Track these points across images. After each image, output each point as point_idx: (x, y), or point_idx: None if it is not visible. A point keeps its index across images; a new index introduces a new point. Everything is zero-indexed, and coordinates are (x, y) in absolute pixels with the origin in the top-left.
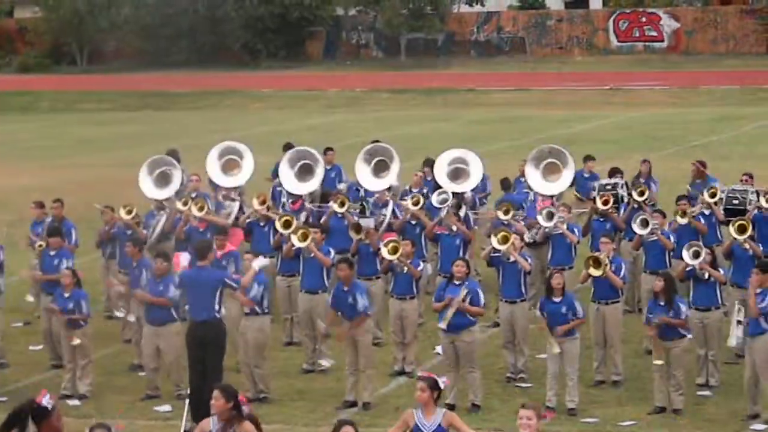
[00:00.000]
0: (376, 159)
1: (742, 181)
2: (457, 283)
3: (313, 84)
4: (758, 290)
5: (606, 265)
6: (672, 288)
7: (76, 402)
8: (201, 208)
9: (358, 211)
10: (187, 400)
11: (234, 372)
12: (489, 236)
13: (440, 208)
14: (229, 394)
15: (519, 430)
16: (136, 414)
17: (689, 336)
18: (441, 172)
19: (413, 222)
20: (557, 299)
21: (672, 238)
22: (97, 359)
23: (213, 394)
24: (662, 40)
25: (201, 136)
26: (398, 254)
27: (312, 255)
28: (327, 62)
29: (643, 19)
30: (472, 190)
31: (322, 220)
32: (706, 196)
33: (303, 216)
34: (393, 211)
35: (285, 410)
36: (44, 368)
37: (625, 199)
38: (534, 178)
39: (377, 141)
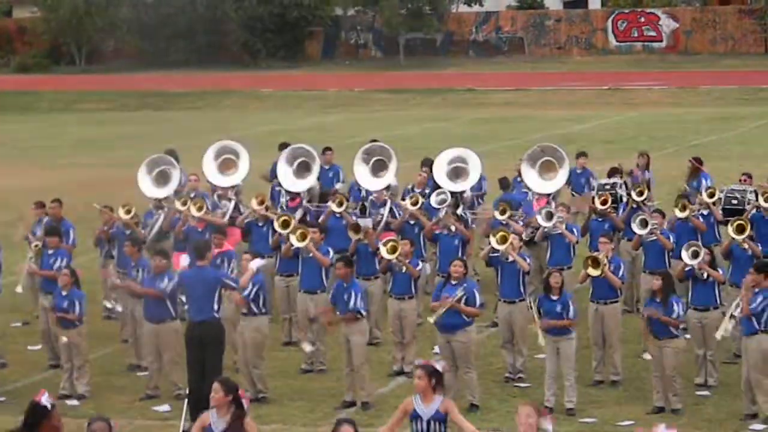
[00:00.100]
0: (374, 159)
1: (740, 181)
2: (454, 283)
3: (312, 84)
4: (756, 290)
5: (605, 265)
6: (669, 287)
7: (74, 402)
8: (200, 208)
9: (358, 211)
10: (186, 400)
11: (234, 372)
12: (486, 236)
13: (439, 209)
14: (229, 388)
15: (519, 429)
16: (134, 414)
17: (682, 336)
18: (441, 171)
19: (412, 222)
20: (554, 297)
21: (671, 238)
22: (96, 359)
23: (213, 387)
24: (661, 40)
25: (200, 136)
26: (397, 254)
27: (311, 255)
28: (326, 62)
29: (642, 19)
30: (469, 190)
31: (320, 220)
32: (704, 196)
33: (299, 214)
34: (391, 210)
35: (284, 410)
36: (43, 368)
37: (624, 199)
38: (530, 176)
39: (375, 140)
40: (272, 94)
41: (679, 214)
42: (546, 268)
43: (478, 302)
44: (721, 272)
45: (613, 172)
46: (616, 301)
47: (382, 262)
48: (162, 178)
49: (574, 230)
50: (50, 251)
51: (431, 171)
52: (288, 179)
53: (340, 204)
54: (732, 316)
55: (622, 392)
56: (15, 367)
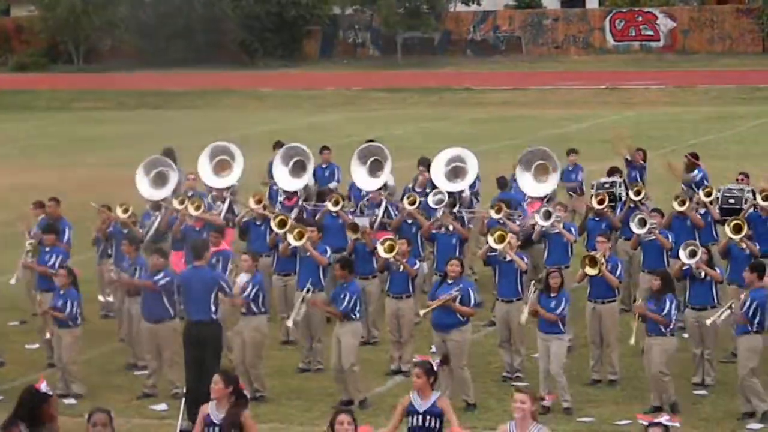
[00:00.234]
0: (371, 159)
1: (737, 180)
2: (450, 282)
3: (310, 83)
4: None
5: (602, 264)
6: (668, 286)
7: (72, 401)
8: (197, 207)
9: (358, 211)
10: (183, 399)
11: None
12: (482, 235)
13: (436, 209)
14: (229, 380)
15: (513, 414)
16: (132, 412)
17: (670, 336)
18: (439, 172)
19: (409, 221)
20: (552, 295)
21: (670, 238)
22: (93, 358)
23: (213, 379)
24: (658, 40)
25: (198, 135)
26: (394, 253)
27: (308, 254)
28: (323, 61)
29: (640, 19)
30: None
31: (315, 218)
32: (701, 195)
33: (294, 213)
34: (386, 209)
35: (281, 409)
36: (41, 367)
37: (623, 198)
38: (525, 180)
39: (372, 141)
40: (271, 94)
41: (679, 208)
42: (544, 267)
43: (473, 302)
44: (718, 271)
45: (612, 171)
46: (614, 301)
47: (379, 262)
48: (160, 180)
49: (572, 229)
50: (47, 249)
51: (427, 170)
52: (284, 179)
53: (337, 203)
54: (730, 307)
55: (619, 391)
56: (13, 365)
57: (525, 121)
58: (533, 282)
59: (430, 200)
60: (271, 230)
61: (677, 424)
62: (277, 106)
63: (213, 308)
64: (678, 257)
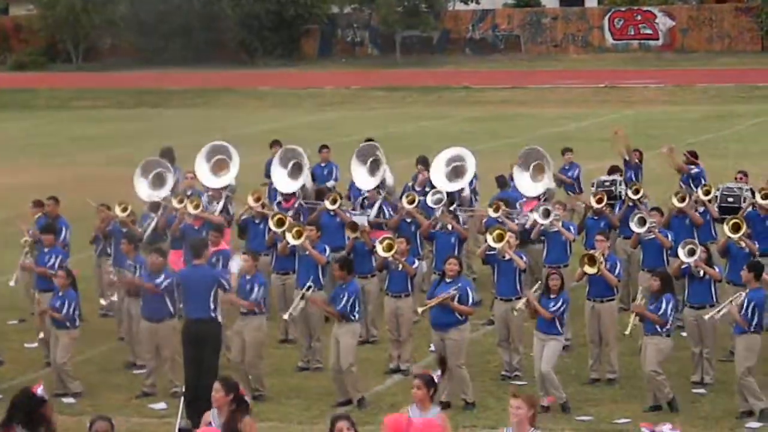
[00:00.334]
0: (371, 158)
1: (736, 179)
2: (448, 281)
3: (309, 81)
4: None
5: (601, 263)
6: (667, 286)
7: (71, 400)
8: (196, 206)
9: (358, 210)
10: (182, 398)
11: (232, 370)
12: (480, 234)
13: (435, 208)
14: (230, 387)
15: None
16: (131, 411)
17: (665, 336)
18: (440, 173)
19: (408, 220)
20: (552, 296)
21: (670, 237)
22: (93, 357)
23: (213, 386)
24: (657, 38)
25: (197, 133)
26: (393, 252)
27: (307, 253)
28: (322, 60)
29: (638, 17)
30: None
31: (311, 217)
32: (700, 193)
33: (290, 213)
34: (381, 208)
35: (280, 408)
36: (40, 366)
37: (623, 196)
38: (523, 180)
39: (370, 139)
40: (270, 92)
41: (678, 204)
42: (543, 266)
43: (471, 301)
44: (717, 270)
45: (613, 170)
46: (613, 299)
47: (378, 260)
48: (158, 181)
49: (571, 228)
50: (46, 249)
51: (425, 169)
52: (282, 181)
53: (334, 201)
54: (731, 302)
55: (618, 390)
56: (12, 364)
57: (524, 120)
58: (539, 283)
59: (429, 200)
60: (270, 229)
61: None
62: (276, 104)
63: (212, 306)
64: (677, 256)
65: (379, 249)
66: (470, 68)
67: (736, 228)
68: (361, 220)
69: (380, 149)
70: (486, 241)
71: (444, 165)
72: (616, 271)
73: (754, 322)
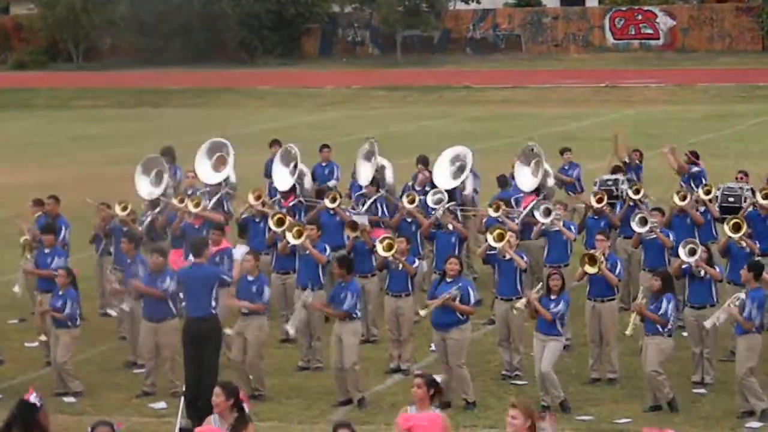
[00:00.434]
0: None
1: (737, 178)
2: (449, 280)
3: (309, 81)
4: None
5: (601, 262)
6: (668, 286)
7: (71, 399)
8: (197, 205)
9: (359, 209)
10: (183, 397)
11: (232, 369)
12: (481, 233)
13: (436, 208)
14: (230, 392)
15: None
16: (131, 411)
17: (667, 336)
18: (444, 172)
19: (409, 219)
20: (553, 297)
21: (671, 236)
22: (93, 356)
23: (214, 391)
24: (658, 38)
25: (198, 133)
26: (393, 251)
27: (307, 252)
28: (323, 59)
29: (639, 17)
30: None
31: (310, 215)
32: (701, 193)
33: (285, 210)
34: (376, 204)
35: (280, 408)
36: (40, 365)
37: (624, 196)
38: (523, 175)
39: (370, 138)
40: (270, 92)
41: (679, 203)
42: (544, 265)
43: (472, 300)
44: (718, 270)
45: (615, 170)
46: (613, 299)
47: (378, 260)
48: (159, 179)
49: (572, 227)
50: (46, 250)
51: (425, 168)
52: (282, 179)
53: (334, 200)
54: (730, 304)
55: (618, 390)
56: (12, 364)
57: (525, 120)
58: (540, 284)
59: (429, 199)
60: (270, 228)
61: None
62: (276, 104)
63: (212, 304)
64: (678, 255)
65: (380, 248)
66: (471, 68)
67: (736, 228)
68: (362, 219)
69: (375, 150)
70: (486, 240)
71: (448, 164)
72: (617, 271)
73: (756, 323)
